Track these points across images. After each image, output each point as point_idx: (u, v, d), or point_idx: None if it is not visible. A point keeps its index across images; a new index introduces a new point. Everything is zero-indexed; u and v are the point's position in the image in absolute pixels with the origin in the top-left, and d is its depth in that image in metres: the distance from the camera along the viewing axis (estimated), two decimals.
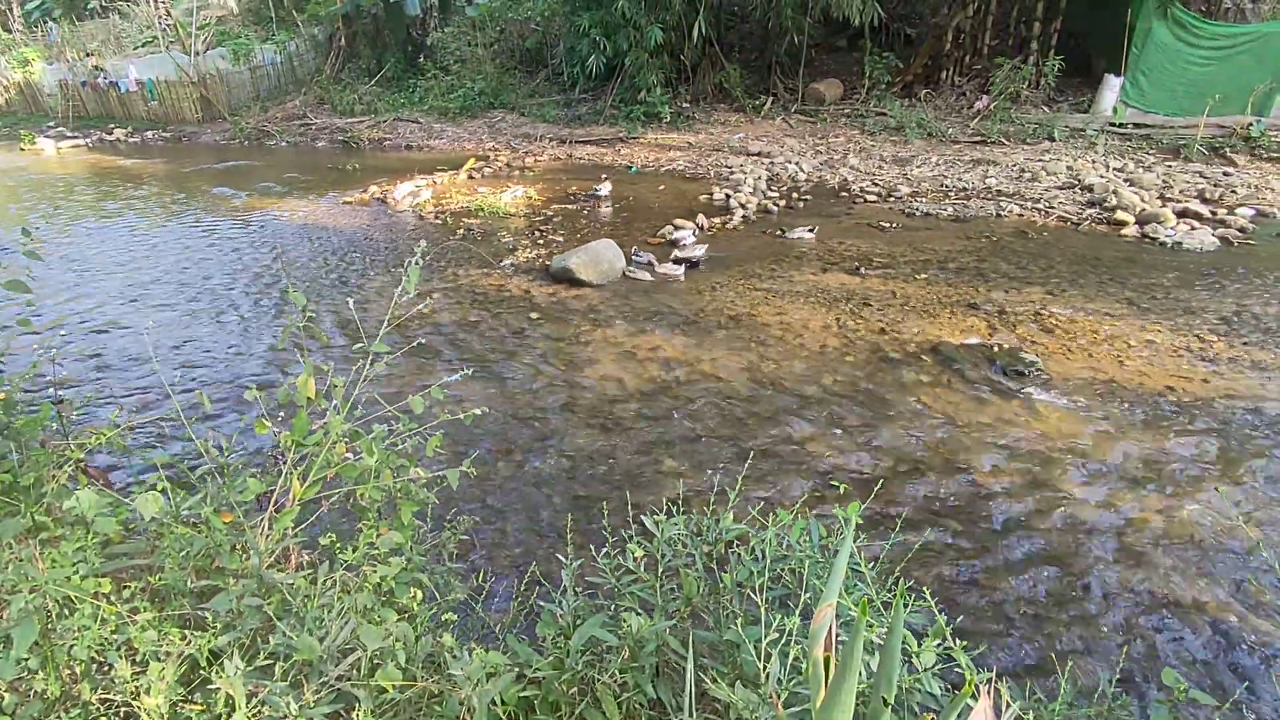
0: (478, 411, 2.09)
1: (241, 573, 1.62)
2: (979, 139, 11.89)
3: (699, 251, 7.01)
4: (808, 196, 9.61)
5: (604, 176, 10.10)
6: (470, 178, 11.12)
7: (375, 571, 1.65)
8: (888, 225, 8.21)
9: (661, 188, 10.49)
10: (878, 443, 4.01)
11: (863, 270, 6.62)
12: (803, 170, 10.89)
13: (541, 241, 7.83)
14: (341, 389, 1.96)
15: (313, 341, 4.97)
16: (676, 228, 8.09)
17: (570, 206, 9.35)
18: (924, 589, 1.62)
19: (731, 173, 10.84)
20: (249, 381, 4.78)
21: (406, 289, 2.00)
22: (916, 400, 4.43)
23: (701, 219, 8.33)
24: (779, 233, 7.45)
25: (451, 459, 3.75)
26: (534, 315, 5.81)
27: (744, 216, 8.62)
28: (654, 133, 13.57)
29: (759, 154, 11.92)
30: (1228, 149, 10.24)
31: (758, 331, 5.44)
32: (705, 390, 4.59)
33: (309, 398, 1.89)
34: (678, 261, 6.78)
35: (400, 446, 2.07)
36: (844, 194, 9.84)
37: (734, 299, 6.10)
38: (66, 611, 1.41)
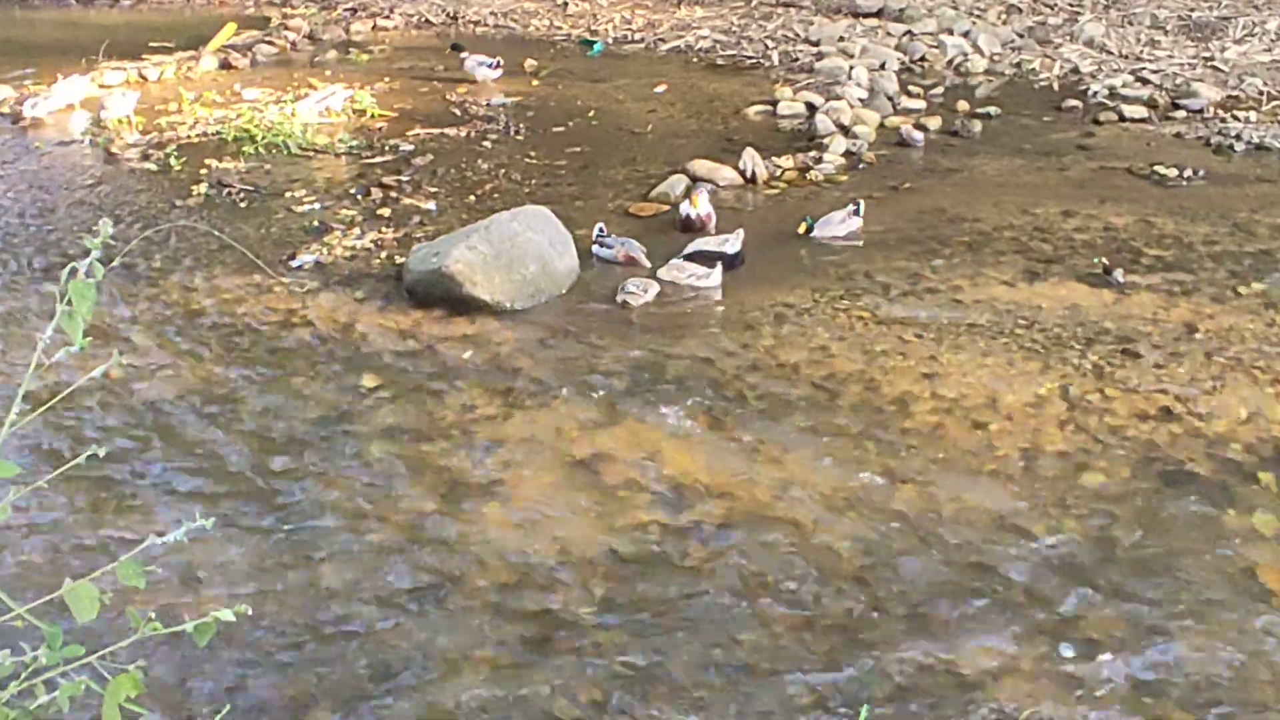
0: (229, 614, 2.08)
1: None
2: None
3: (726, 239, 7.13)
4: (991, 109, 9.84)
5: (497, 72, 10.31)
6: (228, 66, 11.34)
7: None
8: (1171, 173, 8.41)
9: (661, 88, 10.60)
10: (1159, 677, 4.00)
11: (1117, 275, 6.80)
12: (979, 51, 11.24)
13: (387, 213, 7.96)
14: None
15: None
16: (696, 180, 8.19)
17: (454, 131, 9.51)
18: None
19: (819, 57, 11.09)
20: None
21: (68, 333, 2.03)
22: (1249, 573, 4.47)
23: (750, 159, 8.49)
24: (806, 231, 7.45)
25: None
26: (367, 381, 5.90)
27: (850, 153, 8.85)
28: None
29: (880, 14, 12.33)
30: None
31: (878, 414, 5.49)
32: (759, 552, 4.62)
33: None
34: (702, 259, 6.93)
35: (37, 705, 2.07)
36: (1071, 102, 10.04)
37: (824, 339, 6.18)
38: None
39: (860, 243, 7.50)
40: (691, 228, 7.45)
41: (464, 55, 10.68)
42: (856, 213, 7.58)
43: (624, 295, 6.68)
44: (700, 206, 7.52)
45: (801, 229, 7.50)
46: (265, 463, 5.27)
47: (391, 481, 5.11)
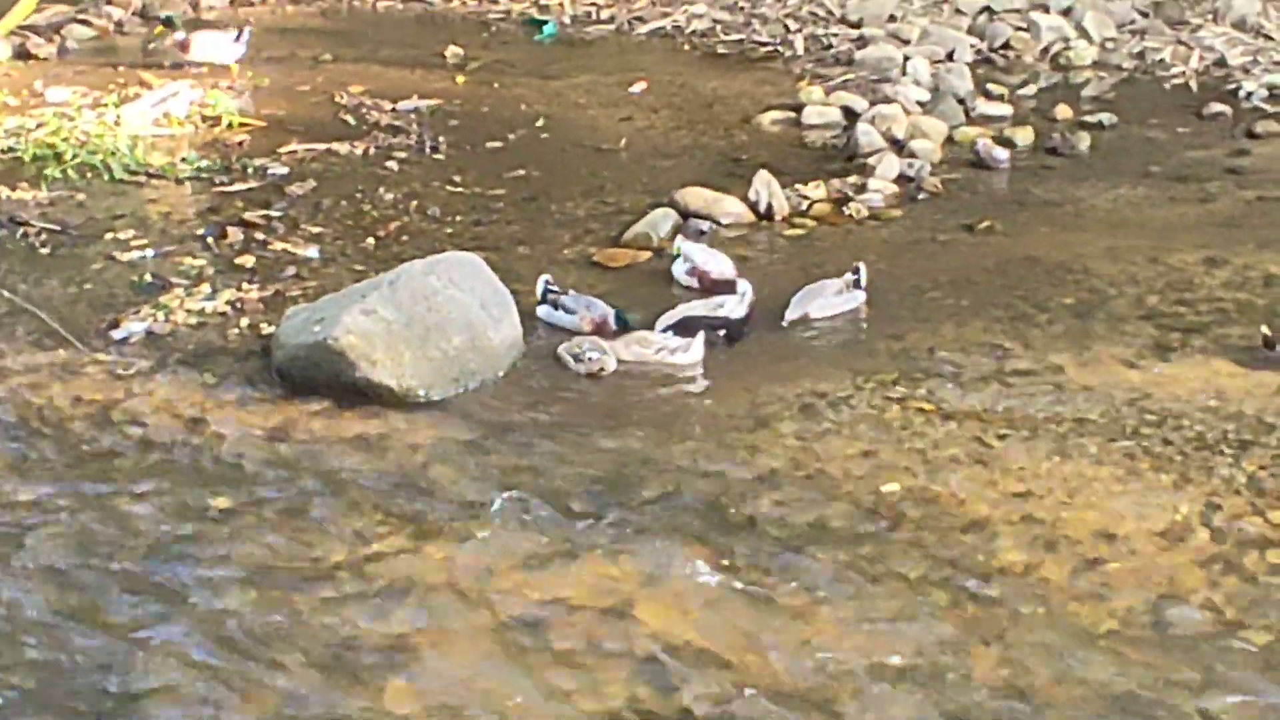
0: None
1: None
2: None
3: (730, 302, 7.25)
4: (1104, 116, 9.99)
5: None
6: (27, 56, 11.53)
7: None
8: None
9: (639, 87, 10.84)
10: None
11: None
12: (1085, 36, 11.39)
13: (249, 262, 8.07)
14: None
15: None
16: (687, 216, 8.34)
17: (346, 147, 9.69)
18: None
19: (861, 44, 11.23)
20: None
21: None
22: None
23: (764, 187, 8.62)
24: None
25: None
26: (220, 502, 5.88)
27: (905, 178, 9.02)
28: None
29: None
30: None
31: (947, 550, 5.49)
32: None
33: None
34: (693, 328, 7.02)
35: None
36: (1216, 107, 10.21)
37: (870, 441, 6.27)
38: None
39: (863, 320, 7.50)
40: (704, 281, 7.52)
41: (180, 36, 10.56)
42: (858, 284, 7.46)
43: (577, 364, 6.75)
44: (689, 261, 7.57)
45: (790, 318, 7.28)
46: (65, 621, 5.15)
47: (252, 647, 5.00)
